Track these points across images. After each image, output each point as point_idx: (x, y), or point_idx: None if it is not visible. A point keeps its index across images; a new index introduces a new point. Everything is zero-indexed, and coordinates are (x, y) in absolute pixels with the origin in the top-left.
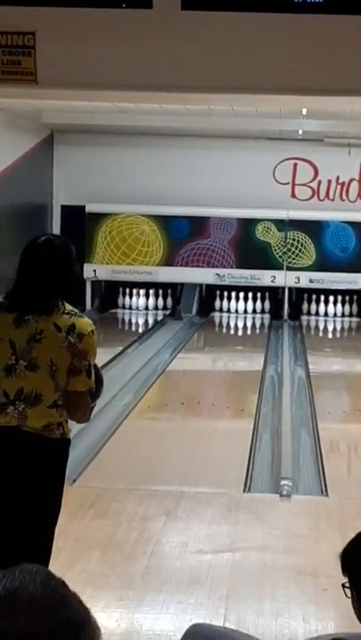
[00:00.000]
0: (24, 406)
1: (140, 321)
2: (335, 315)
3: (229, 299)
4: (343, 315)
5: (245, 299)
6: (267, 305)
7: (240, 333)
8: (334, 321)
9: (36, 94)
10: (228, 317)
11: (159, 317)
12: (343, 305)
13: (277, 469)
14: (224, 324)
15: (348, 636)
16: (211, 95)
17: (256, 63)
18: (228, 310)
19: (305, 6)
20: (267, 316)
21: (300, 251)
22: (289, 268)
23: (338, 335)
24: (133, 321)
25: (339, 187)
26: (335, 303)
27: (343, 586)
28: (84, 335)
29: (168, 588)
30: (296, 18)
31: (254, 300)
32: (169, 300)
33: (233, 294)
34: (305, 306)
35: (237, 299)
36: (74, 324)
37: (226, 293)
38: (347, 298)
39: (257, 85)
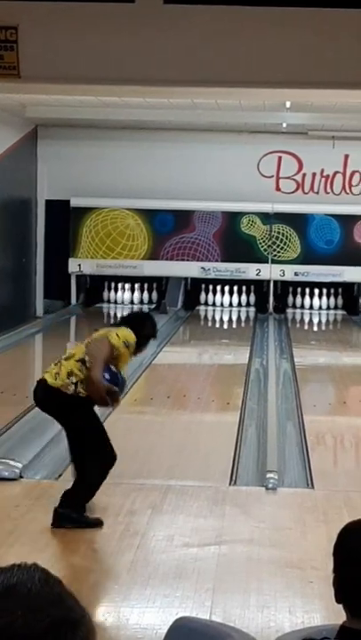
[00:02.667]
0: None
1: None
2: (320, 307)
3: (215, 292)
4: (328, 307)
5: (231, 292)
6: (252, 298)
7: (225, 327)
8: (319, 314)
9: (19, 88)
10: (214, 311)
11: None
12: (328, 298)
13: (263, 462)
14: (209, 318)
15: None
16: (194, 89)
17: (239, 56)
18: (214, 304)
19: None
20: (252, 310)
21: (284, 244)
22: (274, 261)
23: (323, 328)
24: (119, 315)
25: (323, 179)
26: (320, 296)
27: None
28: None
29: (154, 582)
30: (278, 11)
31: (239, 293)
32: (154, 294)
33: (218, 288)
34: (290, 299)
35: (223, 292)
36: None
37: (211, 287)
38: (332, 290)
39: (240, 78)
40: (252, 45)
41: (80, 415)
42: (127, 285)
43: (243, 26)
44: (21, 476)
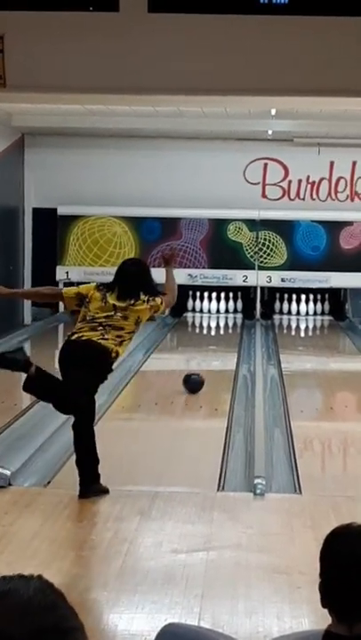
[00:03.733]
0: None
1: None
2: (307, 313)
3: (202, 299)
4: (315, 313)
5: (218, 299)
6: (239, 304)
7: (213, 333)
8: (306, 319)
9: (6, 97)
10: (201, 317)
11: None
12: (315, 303)
13: (251, 468)
14: (197, 324)
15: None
16: (180, 97)
17: (224, 64)
18: (201, 310)
19: (270, 8)
20: (239, 316)
21: (271, 250)
22: (261, 268)
23: (310, 334)
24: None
25: (309, 186)
26: (307, 302)
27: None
28: None
29: (143, 588)
30: (262, 19)
31: (227, 299)
32: None
33: (205, 294)
34: (277, 305)
35: (210, 299)
36: None
37: (198, 293)
38: (318, 296)
39: (226, 86)
40: (237, 53)
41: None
42: None
43: (227, 34)
44: (10, 484)
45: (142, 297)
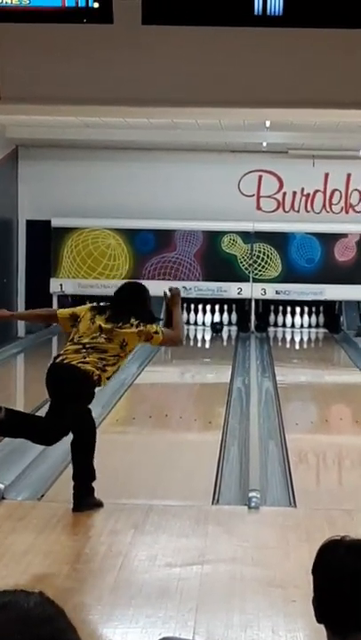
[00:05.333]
0: None
1: None
2: (302, 326)
3: (196, 311)
4: (310, 326)
5: (212, 311)
6: (234, 317)
7: (207, 346)
8: (301, 332)
9: (0, 109)
10: (196, 330)
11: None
12: (310, 316)
13: (245, 481)
14: (191, 337)
15: None
16: (174, 109)
17: (218, 76)
18: (196, 323)
19: (265, 19)
20: (234, 328)
21: (266, 262)
22: (255, 280)
23: (305, 346)
24: None
25: (304, 198)
26: (302, 314)
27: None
28: None
29: (137, 602)
30: (257, 31)
31: (221, 312)
32: None
33: (200, 307)
34: (272, 317)
35: (204, 311)
36: None
37: (193, 306)
38: (313, 309)
39: (220, 98)
40: (231, 65)
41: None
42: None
43: (221, 46)
44: (3, 497)
45: (132, 321)
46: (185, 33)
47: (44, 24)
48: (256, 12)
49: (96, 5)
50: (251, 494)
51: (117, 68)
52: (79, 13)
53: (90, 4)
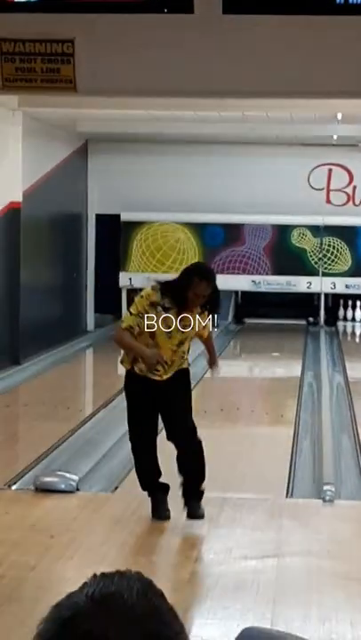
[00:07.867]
0: None
1: None
2: None
3: (266, 305)
4: None
5: (282, 305)
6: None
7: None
8: None
9: (73, 102)
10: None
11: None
12: None
13: (319, 474)
14: (260, 331)
15: None
16: (245, 101)
17: (294, 67)
18: (265, 316)
19: (347, 7)
20: (303, 322)
21: (335, 256)
22: (325, 274)
23: None
24: None
25: None
26: None
27: None
28: None
29: (214, 594)
30: (337, 20)
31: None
32: None
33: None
34: (341, 311)
35: (274, 305)
36: None
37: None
38: None
39: (295, 89)
40: (308, 56)
41: None
42: None
43: (301, 36)
44: (78, 489)
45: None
46: (265, 22)
47: (122, 14)
48: (338, 1)
49: None
50: (325, 487)
51: (196, 60)
52: (160, 3)
53: None
